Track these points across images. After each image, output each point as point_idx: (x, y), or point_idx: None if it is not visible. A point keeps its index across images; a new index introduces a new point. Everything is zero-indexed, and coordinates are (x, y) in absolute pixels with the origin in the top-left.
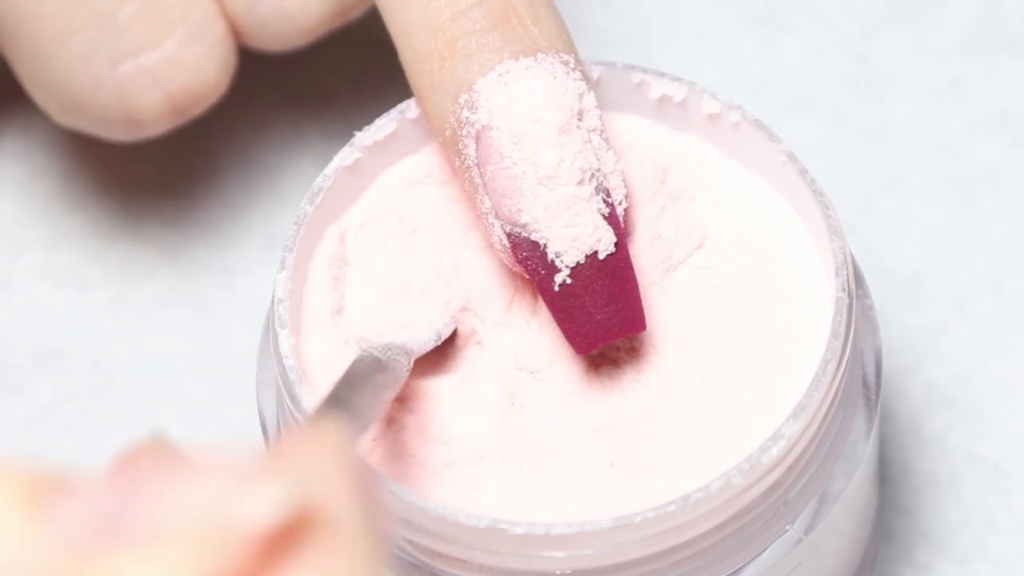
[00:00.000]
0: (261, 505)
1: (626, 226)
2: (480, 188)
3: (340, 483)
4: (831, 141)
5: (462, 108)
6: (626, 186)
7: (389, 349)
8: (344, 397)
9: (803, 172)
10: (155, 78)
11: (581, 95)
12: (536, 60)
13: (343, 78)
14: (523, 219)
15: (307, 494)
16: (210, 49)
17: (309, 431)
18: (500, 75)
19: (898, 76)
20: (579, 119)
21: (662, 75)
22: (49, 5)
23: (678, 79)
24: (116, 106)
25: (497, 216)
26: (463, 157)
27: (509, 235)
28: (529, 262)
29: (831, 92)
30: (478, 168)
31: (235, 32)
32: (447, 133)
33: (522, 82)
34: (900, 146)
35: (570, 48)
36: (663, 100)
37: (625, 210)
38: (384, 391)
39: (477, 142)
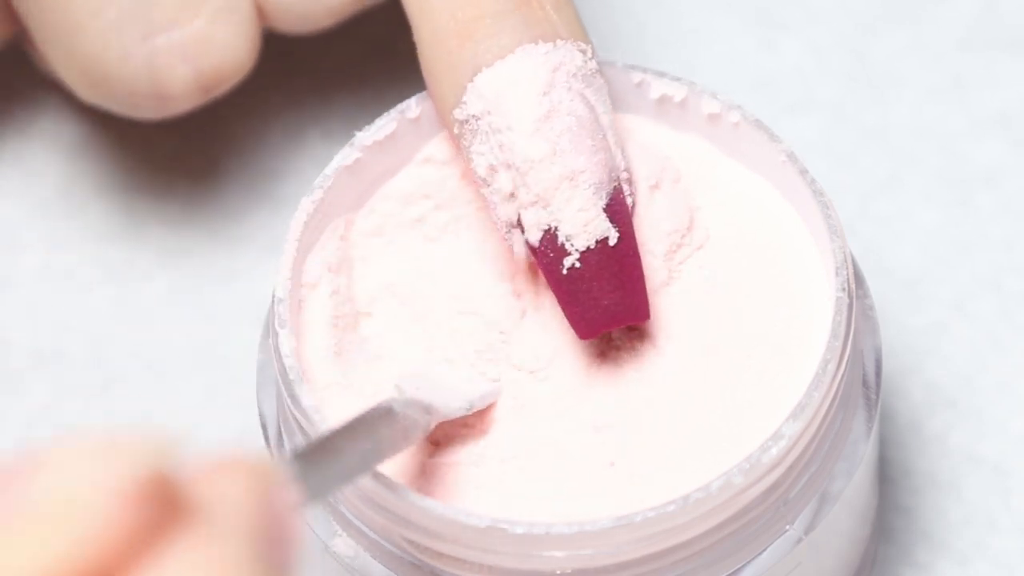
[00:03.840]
0: (117, 481)
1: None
2: (485, 171)
3: (240, 502)
4: (831, 141)
5: (478, 87)
6: (631, 180)
7: (410, 405)
8: (337, 444)
9: (803, 172)
10: (184, 54)
11: (596, 87)
12: (555, 46)
13: (343, 78)
14: (534, 200)
15: (165, 478)
16: (239, 27)
17: (245, 462)
18: (519, 57)
19: (898, 75)
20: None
21: (662, 75)
22: None
23: (678, 79)
24: (145, 80)
25: (506, 197)
26: (477, 136)
27: (520, 216)
28: (539, 245)
29: (830, 91)
30: (490, 147)
31: (261, 15)
32: (458, 115)
33: (543, 66)
34: (900, 146)
35: (587, 38)
36: (663, 100)
37: (632, 203)
38: (389, 446)
39: (491, 121)
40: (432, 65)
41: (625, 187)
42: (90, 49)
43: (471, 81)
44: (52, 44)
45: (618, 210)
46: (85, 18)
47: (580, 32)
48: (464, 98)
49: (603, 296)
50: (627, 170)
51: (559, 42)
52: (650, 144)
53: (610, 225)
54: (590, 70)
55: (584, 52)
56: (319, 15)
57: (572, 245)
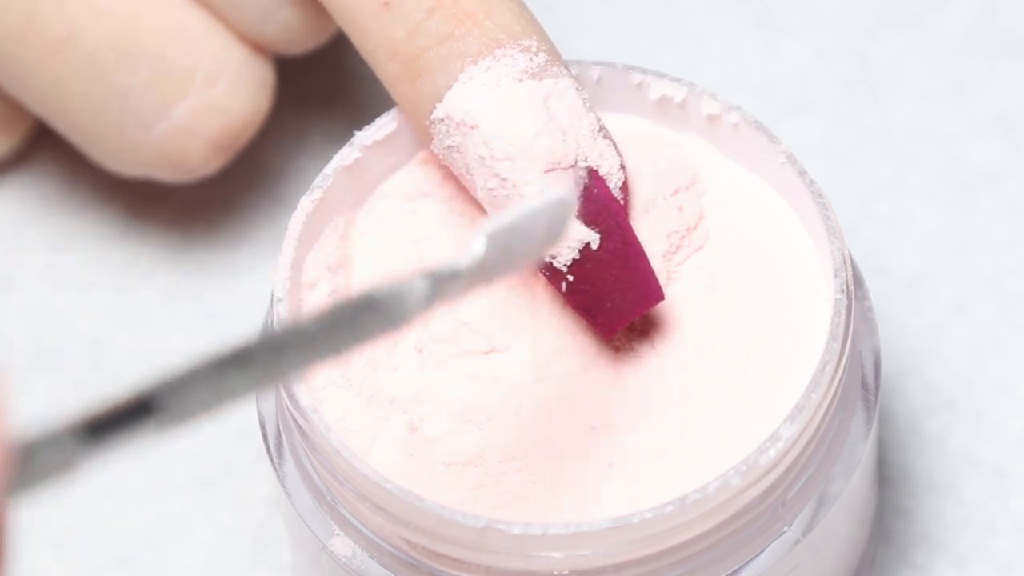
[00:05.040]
0: None
1: (625, 206)
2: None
3: None
4: (830, 142)
5: (435, 126)
6: (623, 168)
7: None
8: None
9: (802, 173)
10: (189, 129)
11: (544, 80)
12: (495, 58)
13: (343, 78)
14: None
15: None
16: (234, 81)
17: None
18: (462, 84)
19: (898, 77)
20: (545, 101)
21: (662, 76)
22: (68, 91)
23: (678, 80)
24: (163, 162)
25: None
26: (454, 170)
27: None
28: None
29: (830, 93)
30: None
31: (262, 51)
32: (434, 148)
33: (482, 86)
34: (900, 147)
35: (530, 31)
36: (663, 101)
37: (622, 187)
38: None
39: (456, 155)
40: (401, 107)
41: (609, 175)
42: (105, 146)
43: (429, 119)
44: (76, 143)
45: (592, 208)
46: (87, 124)
47: (521, 27)
48: (430, 133)
49: (606, 298)
50: (616, 157)
51: (498, 51)
52: (649, 145)
53: (587, 230)
54: (538, 65)
55: (528, 49)
56: (310, 39)
57: (559, 262)
